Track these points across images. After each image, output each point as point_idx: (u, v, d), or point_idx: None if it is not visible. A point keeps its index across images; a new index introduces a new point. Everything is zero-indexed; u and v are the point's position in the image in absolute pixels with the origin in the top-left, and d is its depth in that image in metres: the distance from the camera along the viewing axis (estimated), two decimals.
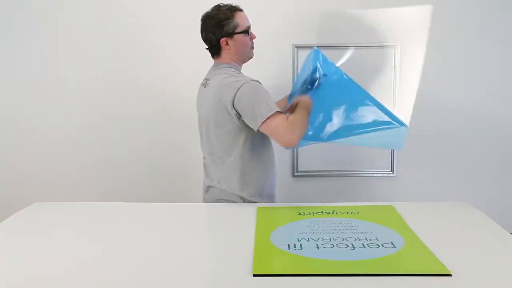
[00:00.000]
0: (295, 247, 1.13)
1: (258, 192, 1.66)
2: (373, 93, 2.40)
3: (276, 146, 1.79)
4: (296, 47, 2.37)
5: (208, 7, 1.71)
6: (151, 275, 1.00)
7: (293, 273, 0.99)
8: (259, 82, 1.60)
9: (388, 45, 2.38)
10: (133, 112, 2.47)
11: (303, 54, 2.37)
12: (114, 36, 2.42)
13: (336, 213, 1.41)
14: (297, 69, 2.38)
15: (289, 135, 1.50)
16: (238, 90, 1.53)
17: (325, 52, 2.40)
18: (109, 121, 2.48)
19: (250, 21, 1.72)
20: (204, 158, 1.77)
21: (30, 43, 2.43)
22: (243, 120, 1.57)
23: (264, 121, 1.49)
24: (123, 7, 2.40)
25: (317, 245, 1.14)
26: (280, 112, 1.52)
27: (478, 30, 2.37)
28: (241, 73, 1.67)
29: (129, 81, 2.45)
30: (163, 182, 2.52)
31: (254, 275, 0.98)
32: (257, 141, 1.65)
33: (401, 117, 2.44)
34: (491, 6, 2.35)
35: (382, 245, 1.14)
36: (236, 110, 1.55)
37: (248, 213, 1.40)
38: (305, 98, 1.61)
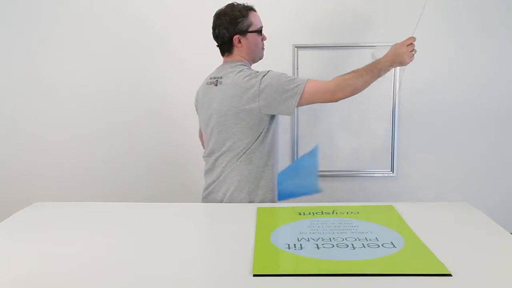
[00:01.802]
0: (295, 247, 1.13)
1: (268, 186, 1.68)
2: (373, 93, 2.42)
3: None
4: (296, 47, 2.37)
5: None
6: (151, 275, 1.00)
7: (293, 273, 0.99)
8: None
9: (388, 45, 2.38)
10: (133, 112, 2.48)
11: (303, 54, 2.38)
12: (115, 36, 2.42)
13: (336, 213, 1.41)
14: (297, 69, 2.38)
15: (329, 97, 1.59)
16: (260, 84, 1.57)
17: (325, 52, 2.41)
18: (110, 121, 2.48)
19: None
20: (208, 156, 1.76)
21: (30, 44, 2.43)
22: (265, 114, 1.61)
23: (301, 95, 1.56)
24: (123, 6, 2.40)
25: (317, 245, 1.14)
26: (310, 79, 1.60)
27: (478, 30, 2.38)
28: (255, 70, 1.68)
29: (129, 81, 2.46)
30: (163, 182, 2.52)
31: (254, 275, 0.98)
32: (272, 136, 1.67)
33: (400, 117, 2.46)
34: (491, 6, 2.35)
35: (382, 245, 1.14)
36: (261, 104, 1.57)
37: (248, 213, 1.40)
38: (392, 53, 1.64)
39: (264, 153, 1.66)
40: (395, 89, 2.41)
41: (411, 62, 1.68)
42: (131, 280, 0.98)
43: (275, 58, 2.32)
